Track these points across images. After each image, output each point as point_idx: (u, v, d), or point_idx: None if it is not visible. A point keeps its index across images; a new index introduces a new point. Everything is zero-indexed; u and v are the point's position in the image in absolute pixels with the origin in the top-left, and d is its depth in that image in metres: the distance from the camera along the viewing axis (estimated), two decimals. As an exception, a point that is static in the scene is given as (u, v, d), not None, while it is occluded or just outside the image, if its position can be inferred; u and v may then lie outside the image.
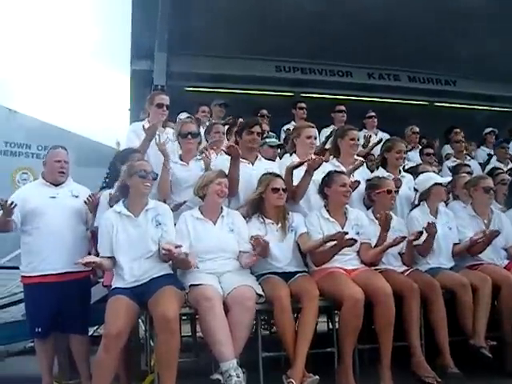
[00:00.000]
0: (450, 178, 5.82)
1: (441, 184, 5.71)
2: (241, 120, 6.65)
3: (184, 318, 5.88)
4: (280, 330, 4.73)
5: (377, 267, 5.25)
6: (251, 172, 5.42)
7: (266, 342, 5.04)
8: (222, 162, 5.51)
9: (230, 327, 4.40)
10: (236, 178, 5.28)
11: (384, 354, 4.75)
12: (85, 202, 5.18)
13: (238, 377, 4.22)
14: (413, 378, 4.81)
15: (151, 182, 4.74)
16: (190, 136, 5.66)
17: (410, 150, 8.28)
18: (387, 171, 6.01)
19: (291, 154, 5.75)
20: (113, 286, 4.60)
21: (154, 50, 10.38)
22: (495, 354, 5.08)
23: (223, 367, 4.28)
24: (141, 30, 9.99)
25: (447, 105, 12.65)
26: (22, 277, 5.28)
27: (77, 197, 5.32)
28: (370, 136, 7.94)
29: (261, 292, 4.69)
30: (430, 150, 8.10)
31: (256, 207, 5.21)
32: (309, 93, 11.45)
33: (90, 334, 5.49)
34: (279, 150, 6.10)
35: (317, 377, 4.54)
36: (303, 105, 8.94)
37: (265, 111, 8.73)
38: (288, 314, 4.66)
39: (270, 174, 5.28)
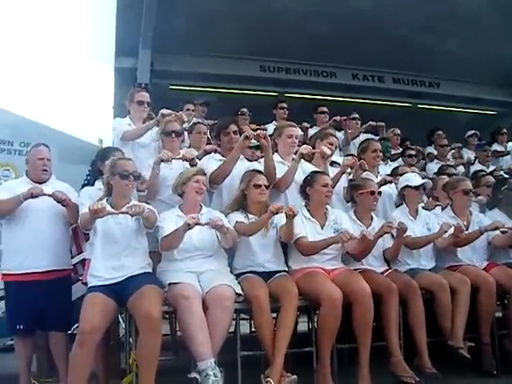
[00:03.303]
0: (423, 181, 5.84)
1: (412, 186, 5.75)
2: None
3: (167, 316, 5.88)
4: (258, 329, 4.73)
5: (356, 267, 5.29)
6: (233, 171, 5.41)
7: (247, 341, 5.05)
8: (207, 162, 5.58)
9: (209, 326, 4.40)
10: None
11: (362, 353, 4.76)
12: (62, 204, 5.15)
13: (216, 376, 4.22)
14: (391, 378, 4.83)
15: (133, 182, 4.68)
16: (173, 135, 5.63)
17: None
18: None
19: (273, 154, 5.75)
20: (90, 284, 4.57)
21: (138, 47, 10.32)
22: (473, 354, 5.11)
23: (201, 366, 4.27)
24: (125, 28, 9.89)
25: (430, 107, 12.70)
26: (3, 274, 5.25)
27: None
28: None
29: (240, 291, 4.68)
30: (412, 152, 8.14)
31: (239, 204, 5.23)
32: (293, 93, 11.45)
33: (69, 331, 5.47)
34: (259, 152, 6.06)
35: (295, 376, 4.57)
36: (284, 105, 8.94)
37: (245, 109, 8.76)
38: (266, 314, 4.68)
39: (252, 170, 5.31)
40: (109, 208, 4.51)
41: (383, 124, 8.61)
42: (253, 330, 5.73)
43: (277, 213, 4.84)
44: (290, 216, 4.82)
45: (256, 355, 4.84)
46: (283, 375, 4.54)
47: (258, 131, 5.36)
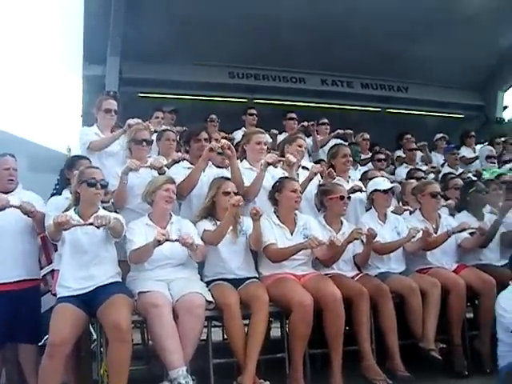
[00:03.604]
0: (391, 185, 5.88)
1: (380, 190, 5.78)
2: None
3: (138, 325, 5.83)
4: (230, 336, 4.74)
5: (327, 272, 5.29)
6: (202, 178, 5.40)
7: (219, 349, 5.04)
8: (176, 170, 5.56)
9: (180, 334, 4.38)
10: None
11: (334, 358, 4.76)
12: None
13: (187, 384, 4.21)
14: (364, 382, 4.84)
15: (100, 190, 4.62)
16: (144, 143, 5.57)
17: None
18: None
19: (241, 160, 5.75)
20: (58, 295, 4.51)
21: (107, 55, 10.27)
22: (444, 356, 5.15)
23: (172, 375, 4.25)
24: (93, 34, 9.85)
25: (399, 111, 12.81)
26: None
27: None
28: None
29: (210, 298, 4.67)
30: (381, 156, 8.20)
31: (209, 211, 5.20)
32: (262, 99, 11.49)
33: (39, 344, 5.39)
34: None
35: (268, 382, 4.58)
36: (253, 111, 8.93)
37: (214, 116, 8.74)
38: (237, 321, 4.67)
39: (221, 178, 5.31)
40: (75, 217, 4.47)
41: (351, 132, 8.68)
42: (225, 337, 5.72)
43: (238, 205, 4.85)
44: (256, 217, 4.83)
45: (228, 362, 4.83)
46: (256, 382, 4.55)
47: (222, 141, 5.37)
